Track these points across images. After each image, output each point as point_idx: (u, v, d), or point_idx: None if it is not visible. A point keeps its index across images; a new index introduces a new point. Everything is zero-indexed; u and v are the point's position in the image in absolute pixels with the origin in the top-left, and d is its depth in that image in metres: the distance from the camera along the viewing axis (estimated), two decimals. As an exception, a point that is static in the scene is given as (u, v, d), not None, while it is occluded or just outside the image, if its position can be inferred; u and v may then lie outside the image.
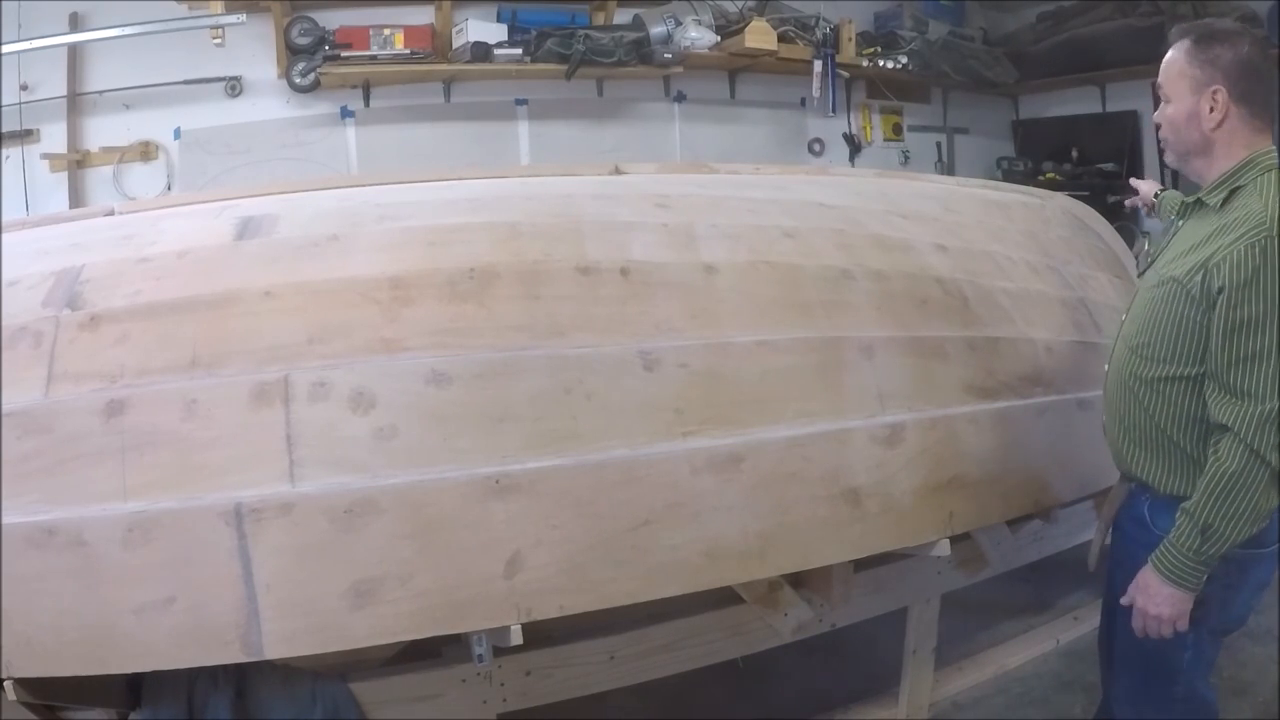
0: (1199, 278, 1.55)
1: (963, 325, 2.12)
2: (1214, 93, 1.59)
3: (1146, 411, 1.69)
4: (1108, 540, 1.89)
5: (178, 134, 3.99)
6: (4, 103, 3.63)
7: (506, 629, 1.56)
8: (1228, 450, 1.52)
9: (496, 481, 1.57)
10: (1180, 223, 1.77)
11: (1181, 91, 1.63)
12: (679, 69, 4.59)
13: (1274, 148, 1.63)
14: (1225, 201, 1.62)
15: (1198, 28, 1.66)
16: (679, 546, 1.66)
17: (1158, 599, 1.59)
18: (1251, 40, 1.63)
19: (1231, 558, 1.58)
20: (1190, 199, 1.73)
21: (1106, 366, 1.85)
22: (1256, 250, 1.49)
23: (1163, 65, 1.68)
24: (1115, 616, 1.84)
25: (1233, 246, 1.52)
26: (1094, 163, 5.41)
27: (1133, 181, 2.29)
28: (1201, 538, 1.54)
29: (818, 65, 4.95)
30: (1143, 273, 1.87)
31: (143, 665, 1.48)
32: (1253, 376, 1.51)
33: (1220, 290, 1.51)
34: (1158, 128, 1.72)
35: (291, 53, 4.03)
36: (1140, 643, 1.70)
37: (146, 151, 3.95)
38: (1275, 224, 1.50)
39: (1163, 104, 1.68)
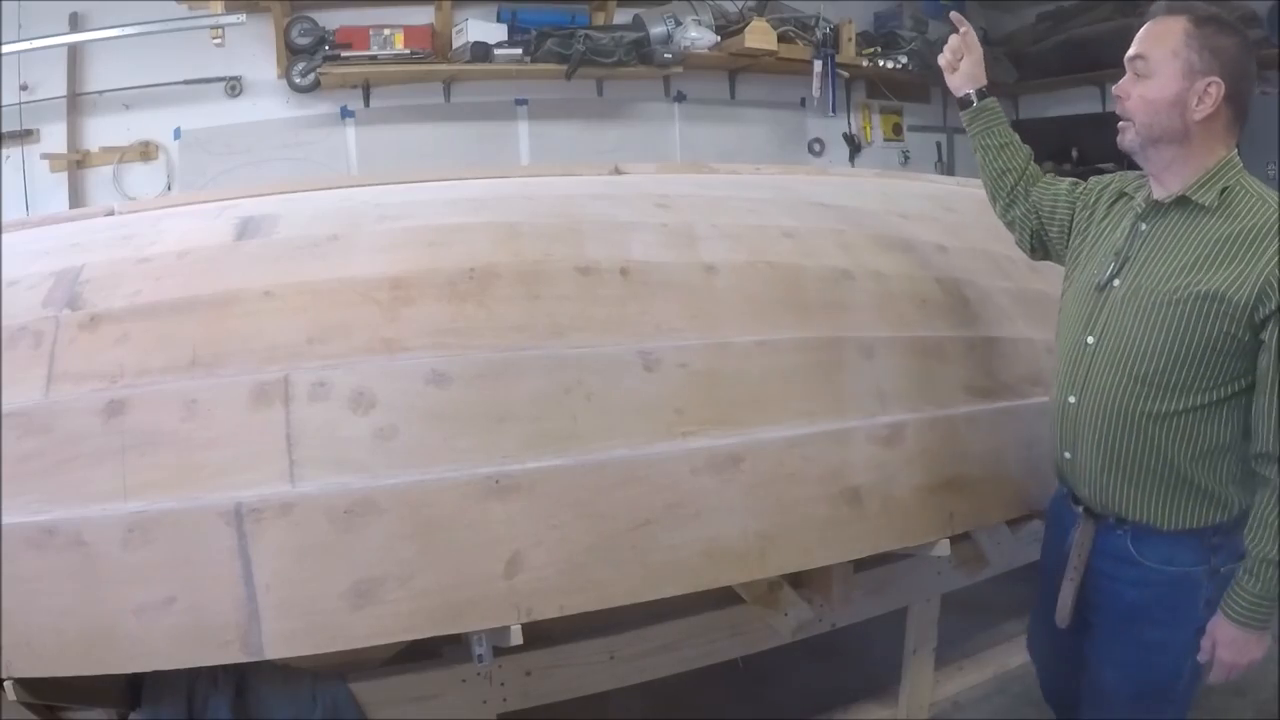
0: (1248, 289, 1.42)
1: (963, 325, 2.12)
2: (1209, 84, 1.48)
3: (1157, 448, 1.55)
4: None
5: (178, 134, 3.99)
6: (4, 103, 3.63)
7: (506, 629, 1.56)
8: None
9: (496, 481, 1.57)
10: (1144, 225, 1.60)
11: (1171, 72, 1.49)
12: (679, 69, 4.59)
13: (1237, 151, 1.55)
14: (1220, 203, 1.50)
15: (1195, 8, 1.51)
16: (679, 546, 1.66)
17: (1251, 648, 1.52)
18: (1247, 39, 1.53)
19: (1229, 574, 1.54)
20: (1167, 198, 1.56)
21: (1073, 398, 1.65)
22: None
23: (1145, 35, 1.54)
24: (1089, 662, 1.72)
25: None
26: (1094, 163, 5.40)
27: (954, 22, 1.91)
28: None
29: (818, 65, 4.96)
30: (1104, 285, 1.63)
31: (143, 665, 1.48)
32: None
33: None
34: (1119, 100, 1.56)
35: (291, 53, 4.03)
36: (1137, 681, 1.64)
37: (146, 151, 3.95)
38: None
39: (1136, 77, 1.54)
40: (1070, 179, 1.89)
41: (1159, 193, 1.58)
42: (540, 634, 1.74)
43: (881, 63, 5.20)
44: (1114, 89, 1.57)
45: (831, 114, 5.22)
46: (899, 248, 2.23)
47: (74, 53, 3.77)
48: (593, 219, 1.98)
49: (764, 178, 2.67)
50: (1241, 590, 1.50)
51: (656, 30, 4.41)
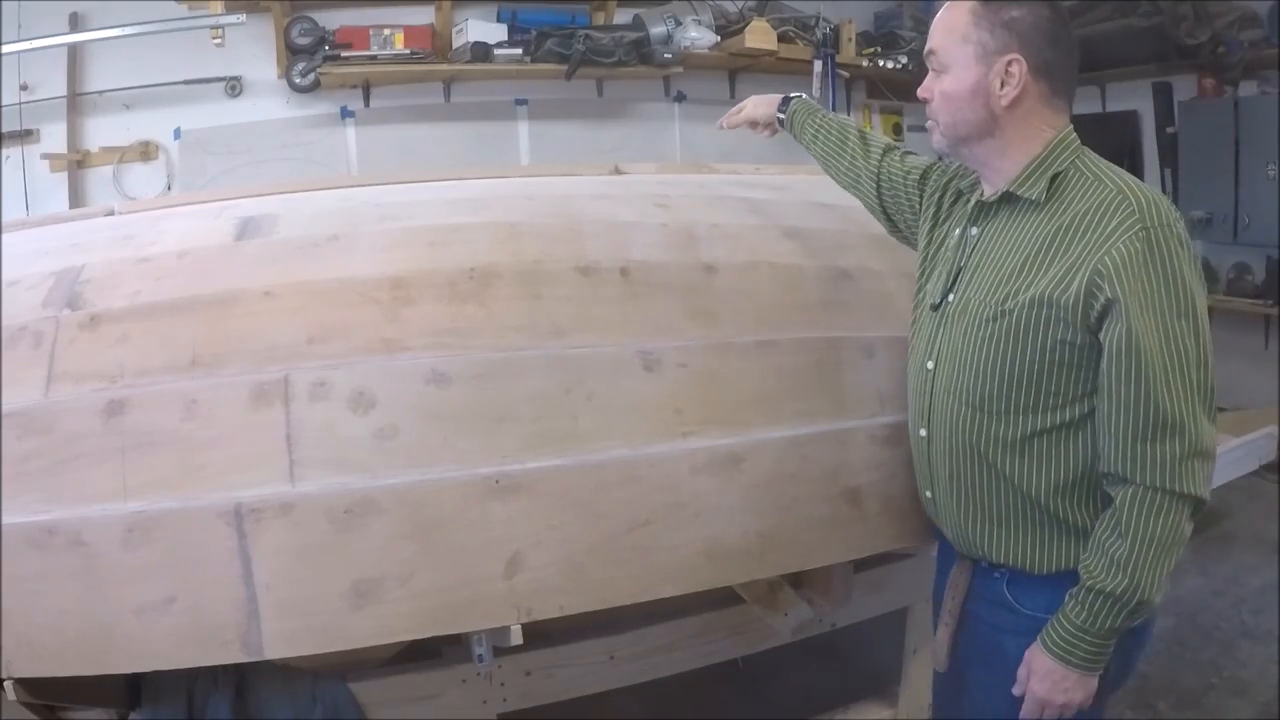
0: (1076, 286, 1.25)
1: (963, 325, 2.12)
2: (1009, 64, 1.32)
3: (1010, 482, 1.38)
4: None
5: (178, 134, 3.99)
6: (4, 103, 3.64)
7: (506, 629, 1.56)
8: (1143, 505, 1.25)
9: (496, 482, 1.57)
10: (975, 230, 1.45)
11: (965, 60, 1.34)
12: (679, 69, 4.60)
13: (1072, 127, 1.38)
14: (1050, 194, 1.34)
15: None
16: (679, 546, 1.66)
17: (1070, 687, 1.32)
18: (1052, 4, 1.35)
19: None
20: (991, 196, 1.41)
21: (924, 432, 1.50)
22: (1153, 242, 1.23)
23: (935, 26, 1.40)
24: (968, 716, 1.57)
25: (1115, 243, 1.24)
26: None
27: (738, 113, 1.93)
28: (1129, 614, 1.27)
29: (818, 65, 4.96)
30: (939, 304, 1.49)
31: (143, 665, 1.48)
32: (1182, 403, 1.22)
33: (1114, 301, 1.23)
34: (925, 102, 1.42)
35: (291, 53, 4.03)
36: None
37: (146, 151, 3.96)
38: (1152, 212, 1.25)
39: (933, 74, 1.40)
40: (926, 160, 1.74)
41: (986, 191, 1.44)
42: (540, 634, 1.74)
43: (881, 63, 5.20)
44: (918, 91, 1.44)
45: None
46: (899, 247, 2.22)
47: (74, 53, 3.77)
48: (593, 219, 1.98)
49: (764, 178, 2.67)
50: (1064, 619, 1.32)
51: (656, 30, 4.42)
